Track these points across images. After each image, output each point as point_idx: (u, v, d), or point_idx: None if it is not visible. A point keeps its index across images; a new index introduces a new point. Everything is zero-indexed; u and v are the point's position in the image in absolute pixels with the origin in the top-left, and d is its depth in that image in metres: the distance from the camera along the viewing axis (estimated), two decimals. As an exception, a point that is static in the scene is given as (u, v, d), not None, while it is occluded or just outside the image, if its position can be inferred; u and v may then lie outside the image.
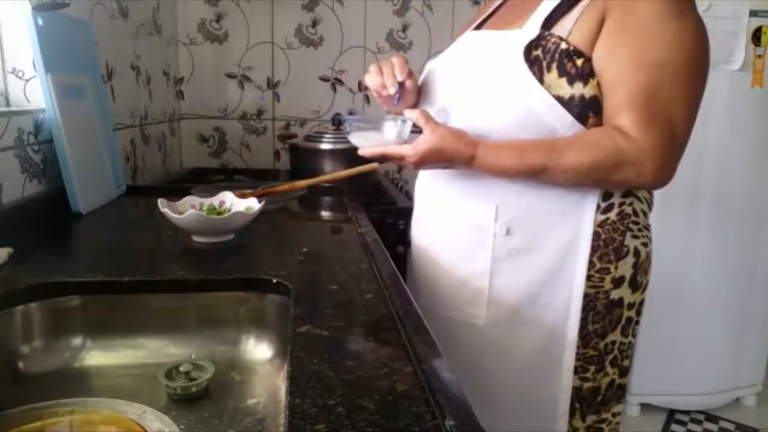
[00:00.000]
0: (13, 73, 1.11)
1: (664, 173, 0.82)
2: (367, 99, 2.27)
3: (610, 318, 0.90)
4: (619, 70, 0.82)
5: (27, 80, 1.11)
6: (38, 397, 0.62)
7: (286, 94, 2.23)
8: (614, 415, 0.96)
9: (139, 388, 0.73)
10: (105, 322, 0.79)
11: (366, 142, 0.95)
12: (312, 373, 0.55)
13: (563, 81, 0.84)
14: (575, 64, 0.83)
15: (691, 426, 2.14)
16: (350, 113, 2.24)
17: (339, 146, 1.68)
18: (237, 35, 2.16)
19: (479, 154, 0.86)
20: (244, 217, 0.99)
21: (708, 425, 2.15)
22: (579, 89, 0.83)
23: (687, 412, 2.21)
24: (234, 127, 2.23)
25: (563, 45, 0.83)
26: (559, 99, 0.84)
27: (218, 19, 2.14)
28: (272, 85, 2.21)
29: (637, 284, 0.92)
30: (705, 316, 2.10)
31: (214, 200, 1.07)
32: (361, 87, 2.26)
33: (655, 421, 2.16)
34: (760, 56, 1.97)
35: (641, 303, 0.94)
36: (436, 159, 0.88)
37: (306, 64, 2.21)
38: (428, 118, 0.89)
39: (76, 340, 0.78)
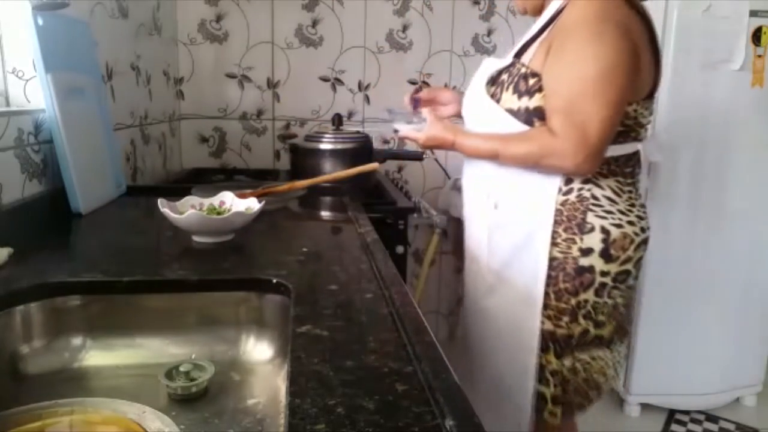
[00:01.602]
0: (13, 73, 1.11)
1: (581, 163, 1.05)
2: (367, 99, 2.27)
3: (580, 280, 1.11)
4: (553, 84, 1.07)
5: (27, 80, 1.11)
6: (38, 397, 0.62)
7: (286, 94, 2.23)
8: (594, 358, 1.15)
9: (139, 388, 0.73)
10: (105, 322, 0.79)
11: (398, 127, 1.35)
12: (312, 373, 0.55)
13: (515, 97, 1.12)
14: (527, 83, 1.10)
15: (691, 426, 2.14)
16: (350, 113, 2.24)
17: (339, 146, 1.68)
18: (237, 35, 2.16)
19: (457, 140, 1.21)
20: (244, 217, 0.99)
21: (708, 425, 2.15)
22: (525, 102, 1.10)
23: (687, 412, 2.21)
24: (234, 127, 2.23)
25: (523, 69, 1.11)
26: (510, 111, 1.12)
27: (218, 19, 2.14)
28: (272, 85, 2.21)
29: (610, 257, 1.10)
30: (705, 316, 2.10)
31: (214, 200, 1.07)
32: (361, 87, 2.26)
33: (655, 421, 2.15)
34: (760, 56, 1.97)
35: (622, 273, 1.12)
36: (433, 141, 1.26)
37: (306, 64, 2.21)
38: (431, 113, 1.28)
39: (76, 340, 0.78)
